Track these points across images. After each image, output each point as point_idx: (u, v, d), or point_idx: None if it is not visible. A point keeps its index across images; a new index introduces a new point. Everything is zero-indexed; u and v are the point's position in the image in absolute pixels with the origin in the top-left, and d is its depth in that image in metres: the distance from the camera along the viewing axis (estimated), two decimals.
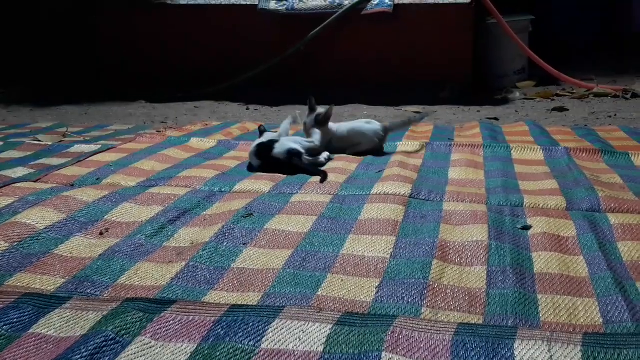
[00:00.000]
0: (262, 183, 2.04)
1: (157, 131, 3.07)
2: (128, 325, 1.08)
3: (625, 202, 1.76)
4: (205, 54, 4.80)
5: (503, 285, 1.30)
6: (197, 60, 4.80)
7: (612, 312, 1.19)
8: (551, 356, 0.95)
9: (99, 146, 2.63)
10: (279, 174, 2.16)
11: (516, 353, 0.96)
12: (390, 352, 0.99)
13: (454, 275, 1.36)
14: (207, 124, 3.31)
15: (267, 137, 2.35)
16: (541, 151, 2.42)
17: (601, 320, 1.17)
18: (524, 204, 1.80)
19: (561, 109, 3.83)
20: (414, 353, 0.98)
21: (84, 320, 1.11)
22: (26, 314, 1.14)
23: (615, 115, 3.62)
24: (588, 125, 3.31)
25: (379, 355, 0.98)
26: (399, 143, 2.58)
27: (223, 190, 2.00)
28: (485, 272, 1.37)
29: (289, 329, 1.05)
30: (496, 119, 3.62)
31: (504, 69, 4.77)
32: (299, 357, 0.99)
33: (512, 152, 2.44)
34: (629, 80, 4.63)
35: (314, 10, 4.56)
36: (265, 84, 4.56)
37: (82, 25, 4.97)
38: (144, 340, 1.04)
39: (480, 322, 1.18)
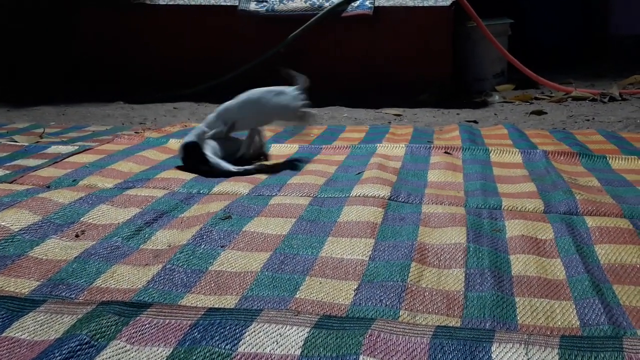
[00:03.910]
0: (241, 185, 2.03)
1: (135, 132, 3.04)
2: (103, 329, 1.06)
3: (603, 205, 1.77)
4: (185, 54, 4.77)
5: (481, 288, 1.31)
6: (177, 61, 4.77)
7: (589, 315, 1.20)
8: (528, 359, 0.95)
9: (76, 147, 2.60)
10: (259, 176, 2.16)
11: (494, 356, 0.96)
12: (368, 355, 0.98)
13: (432, 278, 1.36)
14: (186, 125, 3.29)
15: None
16: (519, 154, 2.44)
17: (578, 322, 1.18)
18: (502, 206, 1.80)
19: (539, 112, 3.85)
20: (391, 356, 0.98)
21: (59, 324, 1.09)
22: None
23: (593, 118, 3.65)
24: (566, 128, 3.33)
25: (357, 358, 0.98)
26: (378, 145, 2.58)
27: (201, 192, 1.99)
28: (464, 275, 1.37)
29: (266, 332, 1.04)
30: (475, 121, 3.64)
31: (483, 72, 4.79)
32: None
33: (490, 154, 2.45)
34: (607, 84, 4.67)
35: (294, 12, 4.54)
36: (244, 86, 4.52)
37: (59, 25, 4.92)
38: (119, 344, 1.03)
39: (458, 324, 1.18)
